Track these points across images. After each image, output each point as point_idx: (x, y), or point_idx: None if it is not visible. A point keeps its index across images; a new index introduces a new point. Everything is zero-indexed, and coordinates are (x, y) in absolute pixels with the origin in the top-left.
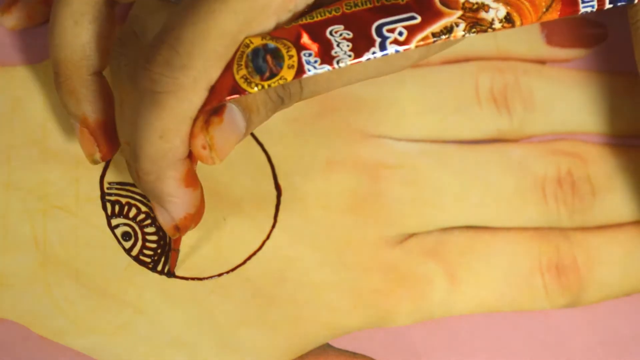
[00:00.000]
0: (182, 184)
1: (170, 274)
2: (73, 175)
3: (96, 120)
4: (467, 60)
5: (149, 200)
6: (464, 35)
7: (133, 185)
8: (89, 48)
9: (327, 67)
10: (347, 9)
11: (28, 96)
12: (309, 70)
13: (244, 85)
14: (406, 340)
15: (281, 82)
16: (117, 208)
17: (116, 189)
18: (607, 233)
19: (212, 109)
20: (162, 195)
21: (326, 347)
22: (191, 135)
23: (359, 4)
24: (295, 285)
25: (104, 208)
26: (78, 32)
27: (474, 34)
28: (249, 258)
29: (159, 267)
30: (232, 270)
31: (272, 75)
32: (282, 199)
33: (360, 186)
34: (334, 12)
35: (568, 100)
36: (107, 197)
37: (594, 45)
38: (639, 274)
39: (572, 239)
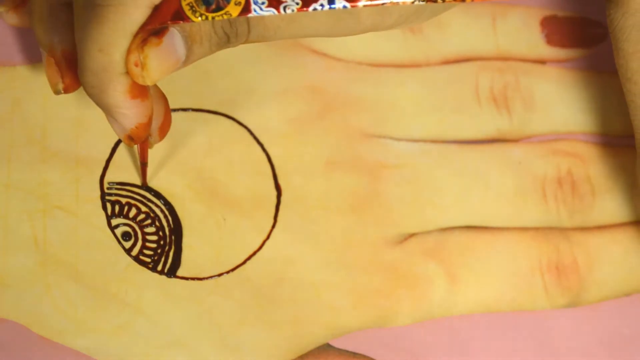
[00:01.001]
0: (127, 96)
1: (143, 187)
2: (73, 175)
3: (62, 51)
4: (467, 60)
5: (149, 201)
6: (413, 2)
7: (133, 185)
8: None
9: (273, 11)
10: None
11: (28, 96)
12: (255, 11)
13: (189, 13)
14: (406, 340)
15: (225, 16)
16: (117, 208)
17: (116, 189)
18: (607, 233)
19: (152, 29)
20: (109, 107)
21: (326, 347)
22: (127, 51)
23: None
24: (295, 285)
25: (104, 208)
26: None
27: (424, 2)
28: (249, 258)
29: (159, 267)
30: (232, 270)
31: (218, 8)
32: (282, 199)
33: (360, 186)
34: None
35: (568, 100)
36: (107, 197)
37: (594, 45)
38: (639, 273)
39: (572, 239)
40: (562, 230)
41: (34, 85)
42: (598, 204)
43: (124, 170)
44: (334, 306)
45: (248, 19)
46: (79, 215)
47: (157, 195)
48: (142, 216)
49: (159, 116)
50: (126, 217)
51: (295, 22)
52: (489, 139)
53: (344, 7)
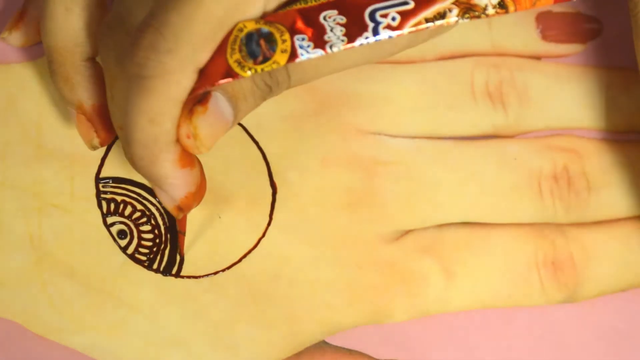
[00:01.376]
0: (177, 165)
1: (182, 258)
2: (68, 173)
3: (92, 106)
4: (462, 56)
5: (144, 199)
6: (457, 21)
7: (128, 183)
8: (81, 34)
9: (320, 52)
10: None
11: (23, 94)
12: (302, 55)
13: (237, 69)
14: (402, 336)
15: (274, 66)
16: (112, 206)
17: (111, 187)
18: (603, 228)
19: (196, 98)
20: (159, 178)
21: (322, 345)
22: (177, 125)
23: None
24: (291, 283)
25: (99, 206)
26: (70, 18)
27: (468, 20)
28: (245, 256)
29: (155, 265)
30: (228, 268)
31: (265, 59)
32: (278, 196)
33: (355, 183)
34: None
35: (564, 95)
36: (103, 195)
37: (589, 40)
38: (635, 269)
39: (568, 235)
40: (558, 225)
41: (29, 83)
42: (594, 200)
43: (119, 168)
44: (329, 303)
45: (287, 68)
46: (75, 213)
47: (153, 193)
48: (137, 214)
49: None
50: (122, 215)
51: (333, 59)
52: (484, 135)
53: (390, 37)
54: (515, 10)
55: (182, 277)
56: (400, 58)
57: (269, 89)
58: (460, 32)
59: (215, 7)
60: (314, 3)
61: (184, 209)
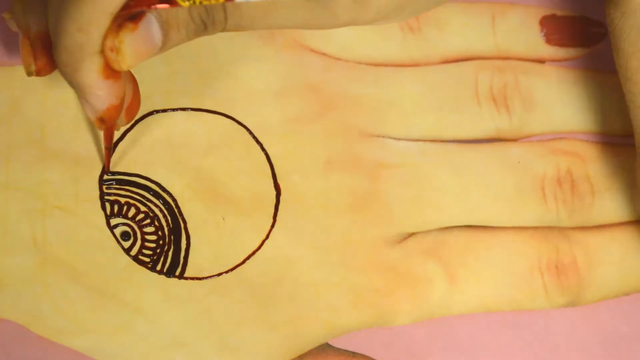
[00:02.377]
0: (101, 75)
1: (107, 173)
2: (72, 175)
3: (37, 32)
4: (466, 59)
5: (148, 200)
6: None
7: (132, 184)
8: None
9: None
10: None
11: (27, 96)
12: None
13: None
14: (406, 339)
15: (213, 1)
16: (116, 208)
17: (115, 188)
18: (607, 232)
19: (128, 14)
20: (82, 86)
21: (325, 347)
22: (104, 36)
23: None
24: (294, 285)
25: (103, 208)
26: None
27: None
28: (248, 258)
29: (158, 267)
30: (232, 270)
31: None
32: (282, 198)
33: (359, 186)
34: None
35: (567, 99)
36: (106, 197)
37: (593, 44)
38: (638, 273)
39: (571, 239)
40: (561, 229)
41: (33, 85)
42: (597, 204)
43: (123, 170)
44: (333, 306)
45: (225, 9)
46: (78, 214)
47: (156, 194)
48: (141, 216)
49: (127, 97)
50: (125, 216)
51: (272, 13)
52: (488, 138)
53: None
54: None
55: (186, 278)
56: (405, 61)
57: (204, 26)
58: (465, 36)
59: None
60: None
61: (106, 121)
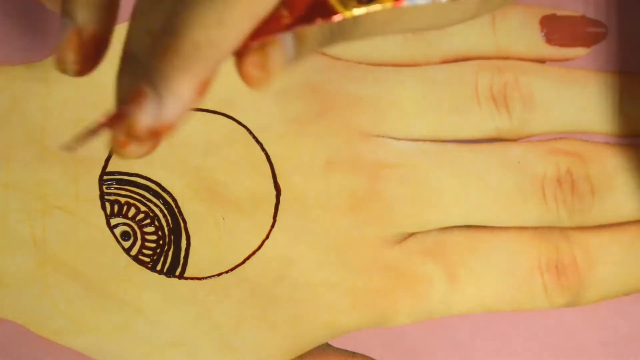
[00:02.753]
0: (197, 88)
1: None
2: (72, 174)
3: (94, 32)
4: (466, 59)
5: (148, 200)
6: None
7: (132, 184)
8: None
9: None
10: None
11: (27, 96)
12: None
13: (339, 7)
14: (406, 339)
15: (378, 7)
16: (116, 208)
17: (115, 188)
18: (607, 232)
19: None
20: (170, 86)
21: (325, 347)
22: (244, 54)
23: None
24: (294, 285)
25: (103, 208)
26: None
27: None
28: (248, 258)
29: (158, 267)
30: (231, 270)
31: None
32: (282, 198)
33: (359, 185)
34: None
35: (568, 99)
36: (106, 197)
37: (594, 44)
38: (638, 273)
39: (571, 239)
40: (561, 229)
41: (33, 85)
42: (597, 204)
43: (123, 169)
44: (333, 306)
45: (356, 17)
46: (78, 214)
47: (156, 194)
48: (141, 216)
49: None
50: (125, 216)
51: (404, 16)
52: (488, 138)
53: None
54: None
55: (186, 278)
56: (404, 60)
57: (332, 37)
58: (464, 35)
59: None
60: None
61: (159, 133)
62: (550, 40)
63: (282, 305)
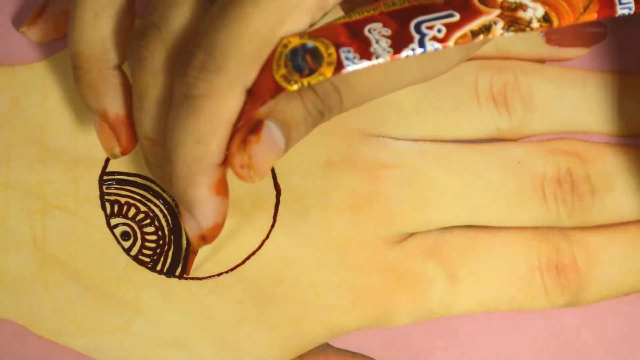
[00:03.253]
0: (213, 192)
1: (182, 277)
2: (72, 175)
3: (116, 115)
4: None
5: (148, 200)
6: (502, 34)
7: (132, 184)
8: (109, 42)
9: (366, 63)
10: (385, 8)
11: (27, 96)
12: (348, 66)
13: (284, 84)
14: (406, 339)
15: (320, 78)
16: (116, 208)
17: (115, 188)
18: (607, 232)
19: (249, 127)
20: (192, 201)
21: (325, 347)
22: (229, 154)
23: (397, 3)
24: (294, 285)
25: (103, 208)
26: (98, 25)
27: (512, 33)
28: (248, 258)
29: (158, 267)
30: (232, 269)
31: (312, 72)
32: (282, 198)
33: (359, 186)
34: (372, 11)
35: (567, 99)
36: (107, 197)
37: (593, 44)
38: (638, 273)
39: (571, 239)
40: (561, 229)
41: (33, 85)
42: (597, 204)
43: (123, 169)
44: (333, 306)
45: (339, 92)
46: (78, 214)
47: (156, 194)
48: (141, 216)
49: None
50: (125, 216)
51: (387, 80)
52: (488, 139)
53: (436, 49)
54: (560, 24)
55: (186, 278)
56: None
57: (321, 115)
58: None
59: (261, 23)
60: (357, 17)
61: (207, 239)
62: (550, 40)
63: (282, 305)
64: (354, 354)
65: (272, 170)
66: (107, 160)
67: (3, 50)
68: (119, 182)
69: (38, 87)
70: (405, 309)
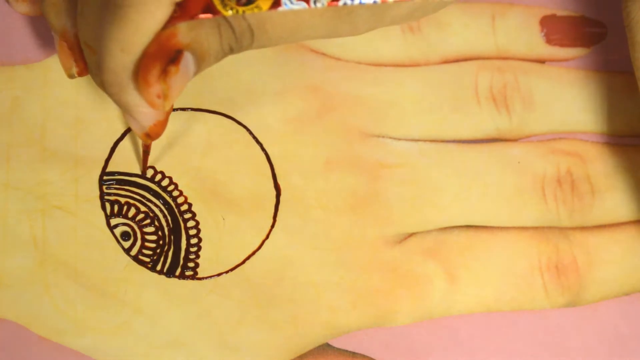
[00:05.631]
0: (146, 98)
1: (142, 176)
2: (72, 174)
3: (75, 34)
4: (466, 59)
5: (148, 200)
6: None
7: (132, 184)
8: None
9: (303, 4)
10: None
11: (27, 96)
12: (285, 5)
13: (219, 7)
14: (406, 339)
15: (255, 10)
16: (116, 208)
17: (115, 188)
18: (607, 232)
19: (169, 55)
20: (128, 105)
21: (325, 347)
22: (146, 83)
23: None
24: (294, 285)
25: (103, 208)
26: None
27: None
28: (248, 258)
29: (158, 267)
30: (232, 269)
31: (249, 1)
32: (282, 198)
33: (359, 185)
34: None
35: (567, 99)
36: (106, 197)
37: (593, 44)
38: (639, 273)
39: (571, 239)
40: (561, 229)
41: (33, 85)
42: (597, 204)
43: (123, 169)
44: (333, 306)
45: (253, 33)
46: (78, 215)
47: (156, 194)
48: (141, 216)
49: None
50: (125, 216)
51: (297, 32)
52: (488, 138)
53: (375, 2)
54: None
55: (186, 278)
56: (404, 61)
57: (230, 51)
58: (465, 36)
59: None
60: None
61: (152, 136)
62: (550, 40)
63: (282, 305)
64: (354, 354)
65: (272, 170)
66: (107, 160)
67: (3, 50)
68: (119, 182)
69: (38, 87)
70: (405, 309)
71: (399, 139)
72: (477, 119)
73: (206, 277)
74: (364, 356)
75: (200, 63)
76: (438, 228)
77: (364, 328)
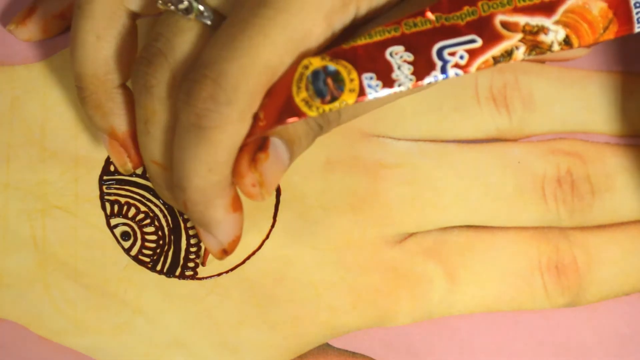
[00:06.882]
0: (230, 210)
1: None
2: (72, 175)
3: (125, 132)
4: None
5: (148, 200)
6: (523, 59)
7: (132, 184)
8: (112, 62)
9: (388, 91)
10: (406, 29)
11: (27, 96)
12: (370, 94)
13: (305, 109)
14: (405, 339)
15: (342, 105)
16: (116, 208)
17: (115, 188)
18: (607, 232)
19: (257, 143)
20: (211, 222)
21: (325, 347)
22: (238, 175)
23: (419, 24)
24: (294, 285)
25: (103, 208)
26: (101, 46)
27: (534, 56)
28: (248, 258)
29: (158, 267)
30: (232, 269)
31: (334, 98)
32: (282, 198)
33: (359, 186)
34: (393, 32)
35: (567, 99)
36: (106, 197)
37: (593, 44)
38: (638, 273)
39: (571, 239)
40: (561, 229)
41: (33, 85)
42: (597, 204)
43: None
44: (333, 306)
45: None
46: (78, 215)
47: (157, 195)
48: (141, 216)
49: None
50: (125, 216)
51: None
52: (488, 139)
53: (457, 75)
54: (580, 45)
55: (186, 278)
56: None
57: (320, 129)
58: None
59: (271, 56)
60: (378, 38)
61: (229, 252)
62: None
63: (282, 305)
64: (354, 354)
65: None
66: (107, 160)
67: (3, 50)
68: (119, 182)
69: (38, 87)
70: (405, 309)
71: (399, 139)
72: (477, 119)
73: (206, 277)
74: (364, 356)
75: (292, 146)
76: (438, 228)
77: (364, 328)
